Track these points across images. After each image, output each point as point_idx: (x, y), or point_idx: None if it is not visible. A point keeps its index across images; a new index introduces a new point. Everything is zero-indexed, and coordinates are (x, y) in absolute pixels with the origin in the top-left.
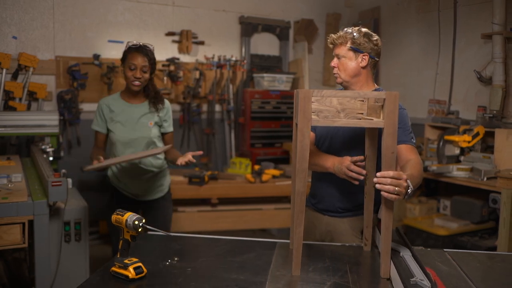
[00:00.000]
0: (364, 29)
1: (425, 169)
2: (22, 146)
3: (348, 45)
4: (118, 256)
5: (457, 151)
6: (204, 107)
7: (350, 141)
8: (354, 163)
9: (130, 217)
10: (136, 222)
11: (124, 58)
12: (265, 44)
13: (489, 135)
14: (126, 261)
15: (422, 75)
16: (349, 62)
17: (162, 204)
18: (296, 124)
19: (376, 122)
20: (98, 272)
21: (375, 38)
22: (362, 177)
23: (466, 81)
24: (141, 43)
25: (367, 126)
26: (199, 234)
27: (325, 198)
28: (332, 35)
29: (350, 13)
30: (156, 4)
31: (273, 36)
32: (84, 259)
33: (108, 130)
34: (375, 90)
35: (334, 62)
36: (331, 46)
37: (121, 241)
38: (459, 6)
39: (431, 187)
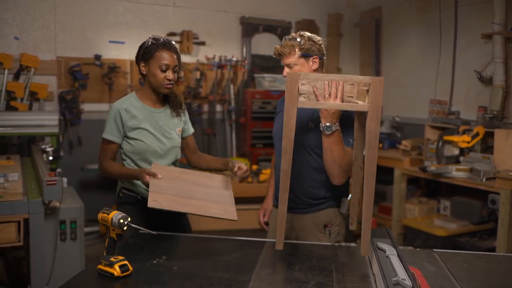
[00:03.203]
0: (306, 33)
1: (424, 170)
2: (23, 146)
3: (297, 52)
4: (105, 254)
5: (457, 152)
6: (205, 107)
7: (296, 147)
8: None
9: (115, 215)
10: (121, 221)
11: (148, 56)
12: (266, 45)
13: (490, 135)
14: (112, 259)
15: (423, 75)
16: (302, 69)
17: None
18: None
19: (361, 105)
20: (85, 270)
21: (318, 39)
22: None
23: (467, 81)
24: (167, 38)
25: (352, 109)
26: (195, 234)
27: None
28: (277, 46)
29: (351, 13)
30: (157, 5)
31: (274, 36)
32: (79, 258)
33: (126, 138)
34: None
35: (286, 71)
36: (277, 57)
37: (107, 239)
38: (459, 6)
39: (431, 187)
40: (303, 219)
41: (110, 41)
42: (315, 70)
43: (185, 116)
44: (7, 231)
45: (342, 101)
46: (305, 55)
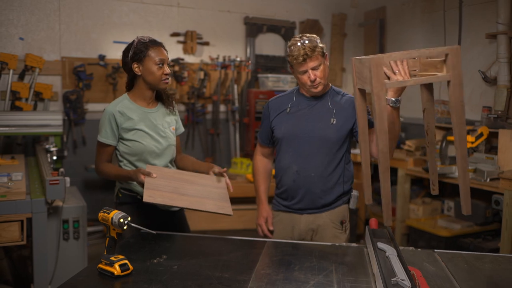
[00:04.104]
0: (310, 35)
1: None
2: (28, 146)
3: (320, 53)
4: (105, 253)
5: None
6: (209, 107)
7: (319, 144)
8: (265, 222)
9: (116, 215)
10: (122, 220)
11: (141, 56)
12: (270, 45)
13: (494, 135)
14: (112, 258)
15: None
16: (325, 67)
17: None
18: (360, 90)
19: (443, 76)
20: (86, 269)
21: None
22: (270, 235)
23: (471, 81)
24: (149, 37)
25: (434, 81)
26: (198, 233)
27: (305, 198)
28: (301, 51)
29: (355, 13)
30: (161, 5)
31: (278, 37)
32: (82, 257)
33: (122, 140)
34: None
35: (314, 74)
36: (302, 62)
37: (107, 239)
38: (464, 6)
39: None
40: (319, 218)
41: (114, 42)
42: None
43: (177, 115)
44: (11, 230)
45: (410, 76)
46: (323, 54)
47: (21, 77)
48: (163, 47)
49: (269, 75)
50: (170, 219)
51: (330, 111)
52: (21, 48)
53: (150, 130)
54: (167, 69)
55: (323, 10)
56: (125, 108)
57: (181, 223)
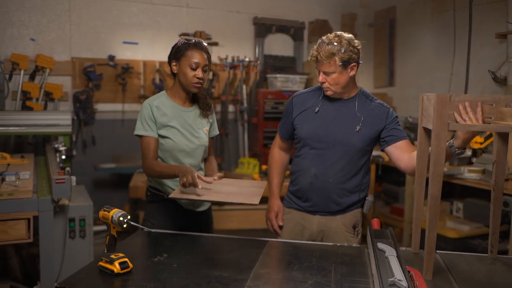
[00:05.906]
0: (346, 37)
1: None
2: (39, 145)
3: (337, 62)
4: (106, 251)
5: (469, 153)
6: (218, 108)
7: (341, 150)
8: (276, 216)
9: (116, 213)
10: (121, 218)
11: (179, 55)
12: (279, 45)
13: None
14: (112, 256)
15: (437, 75)
16: (340, 76)
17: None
18: (424, 128)
19: None
20: (86, 267)
21: (356, 44)
22: (279, 231)
23: (481, 81)
24: (198, 39)
25: (508, 131)
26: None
27: (320, 202)
28: (315, 52)
29: (365, 14)
30: (170, 6)
31: (287, 37)
32: (88, 255)
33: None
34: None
35: (323, 77)
36: (314, 61)
37: (107, 237)
38: (474, 6)
39: (444, 189)
40: (332, 221)
41: (124, 42)
42: (353, 76)
43: (213, 118)
44: (17, 228)
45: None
46: (345, 64)
47: (32, 77)
48: (206, 51)
49: (278, 75)
50: (196, 219)
51: (357, 118)
52: (32, 49)
53: (183, 128)
54: (200, 74)
55: (332, 10)
56: (161, 104)
57: (206, 224)
